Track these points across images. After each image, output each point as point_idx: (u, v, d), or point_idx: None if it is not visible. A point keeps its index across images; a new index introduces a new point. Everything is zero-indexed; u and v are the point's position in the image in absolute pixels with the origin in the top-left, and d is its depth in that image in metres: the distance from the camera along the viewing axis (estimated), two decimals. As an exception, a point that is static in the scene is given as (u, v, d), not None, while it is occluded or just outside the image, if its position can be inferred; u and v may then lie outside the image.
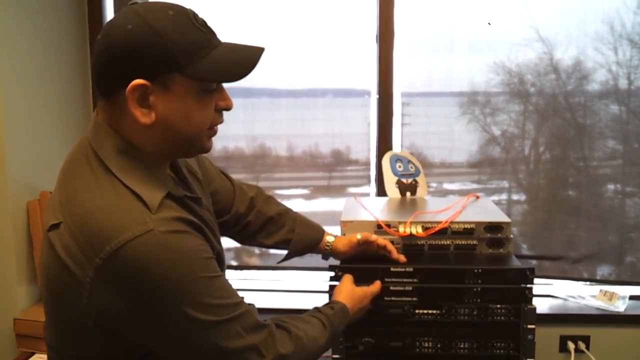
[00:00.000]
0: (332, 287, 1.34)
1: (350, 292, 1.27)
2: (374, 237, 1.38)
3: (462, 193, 2.24)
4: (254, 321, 0.99)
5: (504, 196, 2.27)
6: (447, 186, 2.31)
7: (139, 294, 0.87)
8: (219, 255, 1.03)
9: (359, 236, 1.38)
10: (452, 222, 1.42)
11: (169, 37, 0.88)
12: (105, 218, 0.87)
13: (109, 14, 2.16)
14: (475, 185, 2.28)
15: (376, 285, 1.32)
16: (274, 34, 2.14)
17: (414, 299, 1.33)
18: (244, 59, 0.96)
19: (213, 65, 0.91)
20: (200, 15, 0.96)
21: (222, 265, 1.05)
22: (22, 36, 1.82)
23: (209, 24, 0.97)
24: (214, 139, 1.01)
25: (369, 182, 2.24)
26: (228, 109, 0.98)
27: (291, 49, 2.14)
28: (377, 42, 2.07)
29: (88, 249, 0.86)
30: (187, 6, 0.94)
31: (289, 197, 2.37)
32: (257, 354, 0.97)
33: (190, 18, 0.92)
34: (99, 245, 0.85)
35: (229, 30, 2.10)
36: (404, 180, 1.71)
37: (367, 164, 2.23)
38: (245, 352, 0.96)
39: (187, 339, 0.91)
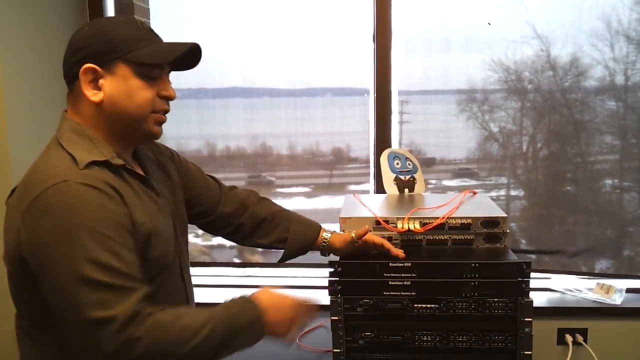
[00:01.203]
0: (331, 283, 1.36)
1: (271, 293, 1.16)
2: (368, 235, 1.39)
3: (461, 189, 2.26)
4: (133, 302, 0.97)
5: (502, 192, 2.30)
6: (447, 183, 2.34)
7: (41, 234, 0.98)
8: (152, 239, 1.08)
9: (353, 234, 1.39)
10: (449, 218, 1.44)
11: (115, 32, 1.09)
12: (40, 172, 1.04)
13: (110, 10, 2.19)
14: (474, 182, 2.30)
15: (299, 299, 1.18)
16: (272, 34, 2.16)
17: (413, 293, 1.35)
18: (175, 49, 1.12)
19: (149, 53, 1.09)
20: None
21: (162, 260, 1.12)
22: (25, 33, 1.84)
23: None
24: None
25: (369, 179, 2.26)
26: (170, 97, 1.13)
27: (290, 49, 2.16)
28: (374, 41, 2.09)
29: (22, 198, 1.02)
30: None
31: (290, 195, 2.40)
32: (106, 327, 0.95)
33: (136, 22, 1.13)
34: (29, 194, 1.00)
35: (227, 30, 2.15)
36: (402, 177, 1.73)
37: (367, 161, 2.25)
38: (100, 323, 0.95)
39: (66, 291, 0.96)
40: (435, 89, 2.22)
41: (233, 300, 1.11)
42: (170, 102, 1.16)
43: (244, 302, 1.10)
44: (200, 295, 2.03)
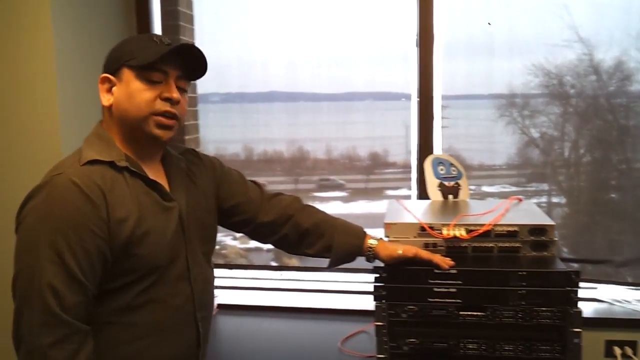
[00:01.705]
0: (376, 288, 1.36)
1: None
2: (414, 251, 1.37)
3: (501, 196, 2.24)
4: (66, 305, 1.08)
5: (543, 199, 2.26)
6: (486, 189, 2.31)
7: (23, 209, 1.13)
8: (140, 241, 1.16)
9: (400, 251, 1.37)
10: (495, 225, 1.42)
11: (125, 44, 1.22)
12: (54, 166, 1.17)
13: (156, 12, 2.25)
14: (514, 188, 2.27)
15: None
16: (315, 39, 2.17)
17: (458, 300, 1.34)
18: (161, 49, 1.17)
19: (143, 55, 1.17)
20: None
21: (151, 260, 1.18)
22: (77, 39, 1.92)
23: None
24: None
25: (407, 184, 2.25)
26: (170, 99, 1.19)
27: (332, 54, 2.17)
28: (417, 45, 2.08)
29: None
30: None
31: (327, 199, 2.40)
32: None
33: (151, 36, 1.22)
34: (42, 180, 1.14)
35: (270, 35, 2.17)
36: (446, 183, 1.71)
37: (405, 166, 2.24)
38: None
39: (28, 275, 1.09)
40: (473, 94, 2.20)
41: None
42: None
43: None
44: (237, 298, 2.09)
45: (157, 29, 2.25)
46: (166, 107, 1.18)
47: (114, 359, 1.18)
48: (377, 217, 2.02)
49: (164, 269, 1.21)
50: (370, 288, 1.38)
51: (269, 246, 2.05)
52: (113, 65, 1.20)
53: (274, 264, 2.40)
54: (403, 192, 2.29)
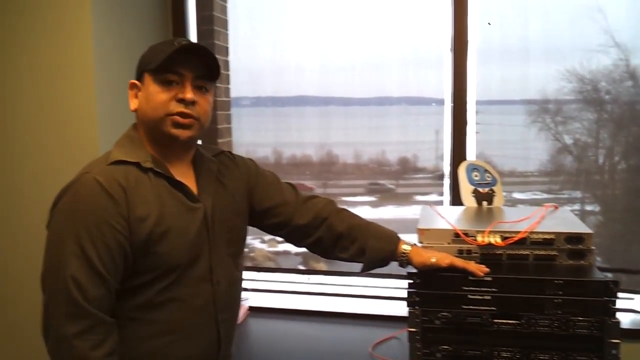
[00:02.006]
0: (410, 294, 1.35)
1: None
2: (448, 261, 1.35)
3: (532, 203, 2.21)
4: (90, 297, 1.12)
5: (576, 207, 2.22)
6: (517, 196, 2.28)
7: (53, 208, 1.18)
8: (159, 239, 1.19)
9: (433, 260, 1.35)
10: (531, 232, 1.40)
11: (148, 51, 1.27)
12: (83, 167, 1.22)
13: (192, 17, 2.29)
14: (546, 195, 2.24)
15: None
16: (348, 43, 2.18)
17: (493, 308, 1.32)
18: (166, 50, 1.21)
19: (156, 59, 1.21)
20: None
21: (170, 259, 1.20)
22: (115, 39, 1.97)
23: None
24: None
25: (437, 190, 2.24)
26: (184, 100, 1.22)
27: (365, 58, 2.17)
28: (451, 50, 2.07)
29: None
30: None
31: (355, 204, 2.40)
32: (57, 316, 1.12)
33: (172, 41, 1.25)
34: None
35: (304, 39, 2.19)
36: (481, 190, 1.70)
37: (435, 171, 2.23)
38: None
39: (54, 266, 1.14)
40: (505, 99, 2.17)
41: None
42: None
43: None
44: (266, 300, 2.10)
45: (193, 33, 2.28)
46: (180, 108, 1.21)
47: (134, 355, 1.21)
48: (406, 222, 2.00)
49: (185, 268, 1.23)
50: (401, 294, 1.38)
51: (297, 250, 2.05)
52: (137, 71, 1.27)
53: (301, 267, 2.41)
54: (432, 197, 2.28)
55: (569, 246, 1.40)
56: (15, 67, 1.94)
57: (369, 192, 2.34)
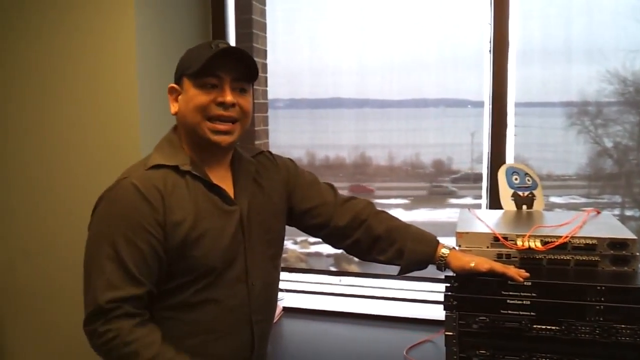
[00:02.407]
0: (447, 298, 1.34)
1: None
2: (487, 266, 1.32)
3: (571, 207, 2.16)
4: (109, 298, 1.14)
5: (616, 211, 2.17)
6: (555, 199, 2.24)
7: (93, 212, 1.21)
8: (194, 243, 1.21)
9: (472, 264, 1.33)
10: (572, 237, 1.38)
11: (187, 54, 1.29)
12: (123, 172, 1.24)
13: (231, 21, 2.32)
14: (585, 199, 2.19)
15: None
16: (385, 46, 2.18)
17: (532, 313, 1.30)
18: (205, 55, 1.21)
19: (195, 63, 1.22)
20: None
21: (206, 261, 1.21)
22: (157, 42, 2.01)
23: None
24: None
25: (471, 193, 2.21)
26: (223, 102, 1.23)
27: (402, 60, 2.16)
28: (490, 51, 2.04)
29: None
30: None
31: (388, 206, 2.39)
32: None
33: (209, 43, 1.25)
34: None
35: (342, 42, 2.19)
36: (520, 193, 1.68)
37: (470, 174, 2.21)
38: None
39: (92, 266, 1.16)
40: (543, 101, 2.14)
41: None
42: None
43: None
44: (296, 301, 2.11)
45: (232, 36, 2.32)
46: (219, 111, 1.23)
47: None
48: (440, 226, 1.98)
49: (221, 270, 1.24)
50: (434, 297, 1.36)
51: (329, 251, 2.04)
52: (176, 75, 1.28)
53: (333, 269, 2.41)
54: (467, 200, 2.26)
55: (612, 252, 1.37)
56: (60, 70, 1.99)
57: (431, 195, 2.32)
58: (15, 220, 2.12)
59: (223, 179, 1.30)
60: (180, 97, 1.27)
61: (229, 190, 1.30)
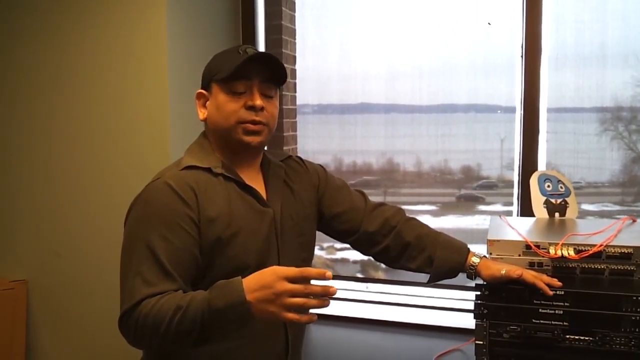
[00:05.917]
0: (477, 306, 1.32)
1: (256, 274, 1.10)
2: (518, 272, 1.30)
3: (603, 215, 2.11)
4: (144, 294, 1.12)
5: (651, 220, 2.11)
6: (586, 207, 2.19)
7: (127, 215, 1.22)
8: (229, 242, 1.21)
9: (503, 271, 1.31)
10: (607, 246, 1.34)
11: (214, 60, 1.30)
12: (156, 174, 1.25)
13: (261, 27, 2.35)
14: (618, 207, 2.14)
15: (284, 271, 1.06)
16: (415, 51, 2.17)
17: (565, 323, 1.27)
18: (236, 61, 1.23)
19: (225, 69, 1.23)
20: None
21: (238, 261, 1.21)
22: (188, 48, 2.04)
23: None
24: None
25: (501, 199, 2.18)
26: (253, 107, 1.24)
27: (432, 65, 2.15)
28: (522, 56, 2.01)
29: None
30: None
31: (416, 212, 2.37)
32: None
33: (237, 49, 1.27)
34: None
35: (371, 47, 2.19)
36: (553, 201, 1.65)
37: (500, 181, 2.18)
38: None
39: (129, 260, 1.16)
40: (575, 107, 2.10)
41: (216, 285, 1.10)
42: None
43: (224, 285, 1.09)
44: (323, 308, 2.10)
45: (261, 42, 2.34)
46: (251, 115, 1.24)
47: (203, 358, 1.22)
48: (469, 233, 1.95)
49: (254, 270, 1.21)
50: (463, 305, 1.34)
51: (355, 257, 2.03)
52: (204, 81, 1.30)
53: (359, 275, 2.40)
54: (497, 207, 2.22)
55: (648, 261, 1.33)
56: (90, 72, 2.04)
57: (459, 201, 2.30)
58: (48, 223, 2.17)
59: (255, 182, 1.31)
60: (208, 102, 1.28)
61: (262, 192, 1.31)
